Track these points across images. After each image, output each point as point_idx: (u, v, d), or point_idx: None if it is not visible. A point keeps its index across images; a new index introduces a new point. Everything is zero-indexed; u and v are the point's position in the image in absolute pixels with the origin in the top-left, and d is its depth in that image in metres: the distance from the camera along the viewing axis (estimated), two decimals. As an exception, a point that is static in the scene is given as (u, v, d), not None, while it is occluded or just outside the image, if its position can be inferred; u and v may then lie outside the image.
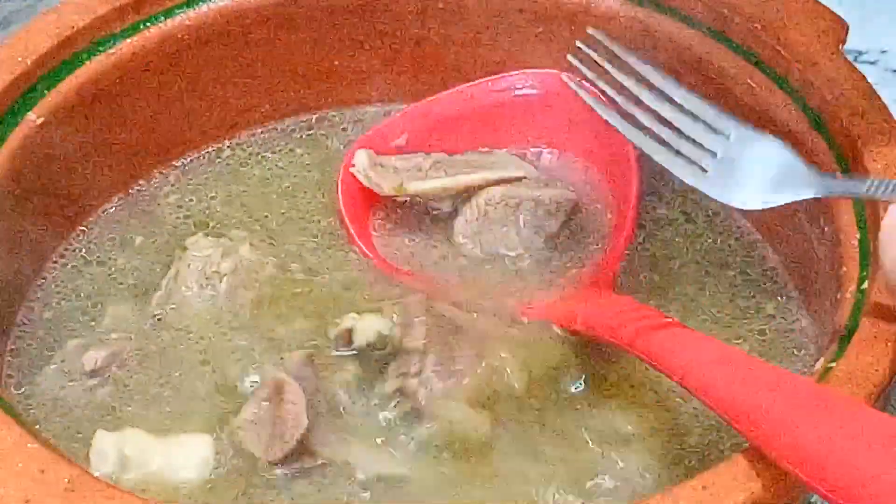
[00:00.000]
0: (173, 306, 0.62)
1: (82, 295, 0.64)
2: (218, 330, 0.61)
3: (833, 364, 0.51)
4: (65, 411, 0.59)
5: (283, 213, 0.68)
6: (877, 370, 0.50)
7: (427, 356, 0.58)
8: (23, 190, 0.62)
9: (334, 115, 0.73)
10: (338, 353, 0.60)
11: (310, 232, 0.67)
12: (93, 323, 0.63)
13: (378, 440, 0.57)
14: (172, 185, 0.69)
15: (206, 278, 0.63)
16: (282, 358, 0.59)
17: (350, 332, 0.59)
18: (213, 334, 0.61)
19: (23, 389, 0.60)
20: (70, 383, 0.60)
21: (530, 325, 0.61)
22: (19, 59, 0.63)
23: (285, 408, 0.56)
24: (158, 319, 0.62)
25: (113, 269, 0.65)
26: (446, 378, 0.58)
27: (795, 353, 0.61)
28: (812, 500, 0.52)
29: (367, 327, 0.59)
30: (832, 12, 0.64)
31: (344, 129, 0.72)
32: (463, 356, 0.59)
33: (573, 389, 0.59)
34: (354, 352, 0.59)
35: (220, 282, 0.63)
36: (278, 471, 0.55)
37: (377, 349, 0.59)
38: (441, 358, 0.58)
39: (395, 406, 0.58)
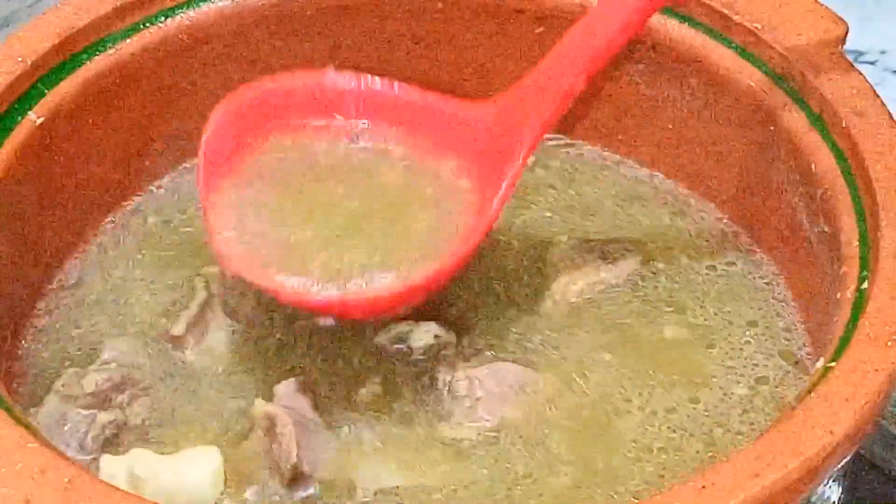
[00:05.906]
0: (194, 334, 0.62)
1: (90, 300, 0.64)
2: (235, 360, 0.61)
3: (833, 364, 0.51)
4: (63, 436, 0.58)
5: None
6: (876, 370, 0.50)
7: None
8: (24, 190, 0.62)
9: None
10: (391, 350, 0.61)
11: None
12: (93, 348, 0.62)
13: (391, 451, 0.57)
14: (172, 190, 0.69)
15: (232, 310, 0.63)
16: (273, 390, 0.59)
17: (406, 334, 0.61)
18: (230, 363, 0.61)
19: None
20: (69, 407, 0.58)
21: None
22: (19, 59, 0.62)
23: (278, 439, 0.56)
24: (174, 346, 0.61)
25: (120, 282, 0.65)
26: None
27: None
28: (812, 500, 0.52)
29: (425, 331, 0.60)
30: (832, 12, 0.64)
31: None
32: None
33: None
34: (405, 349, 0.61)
35: (242, 314, 0.63)
36: (283, 493, 0.56)
37: (433, 352, 0.60)
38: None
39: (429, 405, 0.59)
